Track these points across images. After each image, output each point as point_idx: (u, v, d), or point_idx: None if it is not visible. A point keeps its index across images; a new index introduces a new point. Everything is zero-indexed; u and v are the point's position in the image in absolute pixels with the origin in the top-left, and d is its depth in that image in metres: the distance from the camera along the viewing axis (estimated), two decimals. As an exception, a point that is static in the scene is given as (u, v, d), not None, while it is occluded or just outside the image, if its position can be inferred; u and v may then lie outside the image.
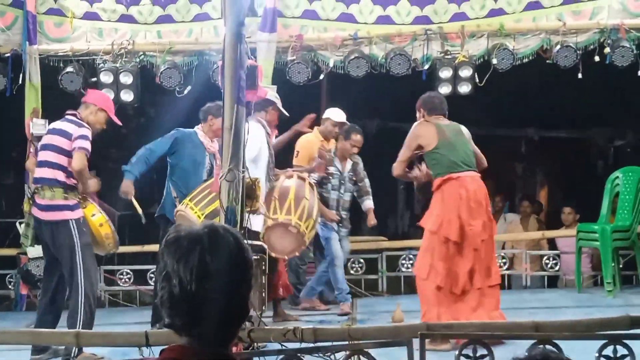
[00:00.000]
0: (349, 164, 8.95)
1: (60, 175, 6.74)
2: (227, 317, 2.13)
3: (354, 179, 9.02)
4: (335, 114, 9.05)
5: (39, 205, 6.77)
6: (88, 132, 6.82)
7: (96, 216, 6.93)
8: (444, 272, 6.57)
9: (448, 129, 6.95)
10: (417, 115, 7.14)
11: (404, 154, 6.99)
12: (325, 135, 9.04)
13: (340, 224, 8.86)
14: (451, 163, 6.78)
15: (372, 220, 9.22)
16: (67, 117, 6.98)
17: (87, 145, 6.77)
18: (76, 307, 6.59)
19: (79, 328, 6.36)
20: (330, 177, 8.79)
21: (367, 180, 9.16)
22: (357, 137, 8.82)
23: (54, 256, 6.81)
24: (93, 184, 7.40)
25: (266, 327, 4.91)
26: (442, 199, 6.73)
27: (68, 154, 6.74)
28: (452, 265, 6.62)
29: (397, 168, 7.02)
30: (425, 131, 6.92)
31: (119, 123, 7.33)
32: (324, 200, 8.60)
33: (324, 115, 9.15)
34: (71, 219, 6.70)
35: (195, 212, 7.22)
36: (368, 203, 9.18)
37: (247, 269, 2.18)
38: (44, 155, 6.87)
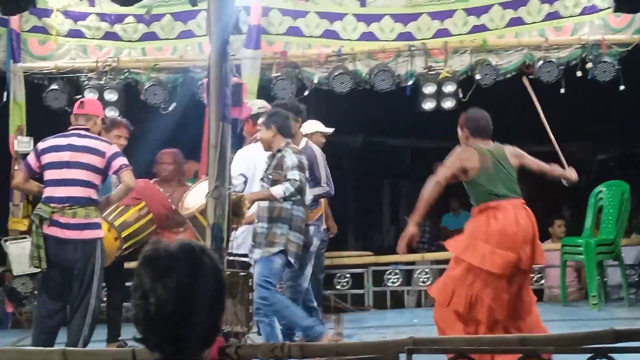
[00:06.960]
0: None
1: (92, 194, 6.59)
2: (201, 336, 2.17)
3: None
4: (322, 126, 8.60)
5: (67, 225, 6.48)
6: (118, 147, 6.87)
7: (111, 231, 7.05)
8: (466, 300, 6.08)
9: (491, 155, 6.43)
10: (460, 133, 6.60)
11: (443, 174, 6.29)
12: None
13: None
14: (490, 192, 6.33)
15: None
16: (80, 132, 6.75)
17: (126, 159, 6.78)
18: (82, 325, 6.49)
19: (81, 346, 6.31)
20: None
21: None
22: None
23: (65, 276, 6.54)
24: None
25: (254, 344, 4.90)
26: (475, 229, 6.26)
27: (100, 172, 6.62)
28: (481, 295, 6.09)
29: (431, 189, 6.23)
30: (469, 156, 6.37)
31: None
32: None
33: (308, 131, 8.43)
34: (100, 238, 6.60)
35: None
36: None
37: (222, 291, 2.22)
38: (70, 174, 6.58)
